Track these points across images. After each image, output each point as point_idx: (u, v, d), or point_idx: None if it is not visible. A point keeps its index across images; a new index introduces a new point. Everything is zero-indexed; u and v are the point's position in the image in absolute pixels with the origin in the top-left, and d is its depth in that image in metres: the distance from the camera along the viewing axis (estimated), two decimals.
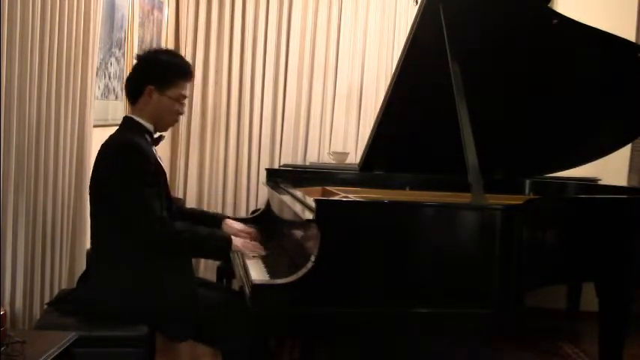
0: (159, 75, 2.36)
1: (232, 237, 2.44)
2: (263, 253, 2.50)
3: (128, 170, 2.23)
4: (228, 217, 2.83)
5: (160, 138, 2.45)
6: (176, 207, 2.60)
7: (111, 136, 2.37)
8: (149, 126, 2.38)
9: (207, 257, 2.54)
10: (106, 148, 2.32)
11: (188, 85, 2.45)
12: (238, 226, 2.72)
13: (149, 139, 2.38)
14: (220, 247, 2.41)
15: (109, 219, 2.27)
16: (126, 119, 2.40)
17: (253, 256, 2.47)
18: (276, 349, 3.15)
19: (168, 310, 2.24)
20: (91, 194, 2.34)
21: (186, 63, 2.46)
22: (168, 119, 2.43)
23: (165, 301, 2.24)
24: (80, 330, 2.08)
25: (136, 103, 2.39)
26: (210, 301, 2.32)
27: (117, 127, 2.42)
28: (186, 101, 2.49)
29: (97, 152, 2.32)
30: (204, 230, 2.42)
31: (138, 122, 2.36)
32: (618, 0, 4.42)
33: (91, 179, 2.34)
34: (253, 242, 2.56)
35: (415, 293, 2.14)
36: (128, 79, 2.46)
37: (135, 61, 2.48)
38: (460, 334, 2.24)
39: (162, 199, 2.33)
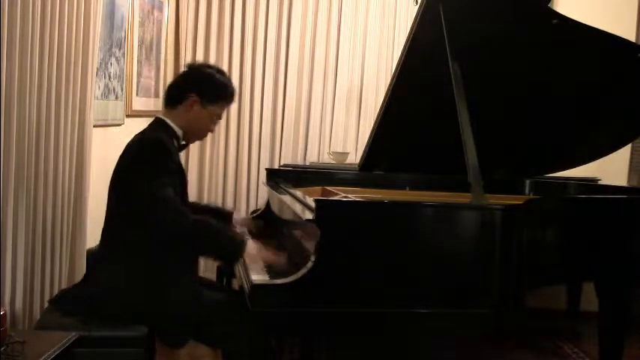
0: (208, 89, 2.42)
1: (249, 241, 2.37)
2: (283, 260, 2.40)
3: (150, 164, 2.24)
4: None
5: (184, 146, 2.50)
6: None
7: (140, 133, 2.40)
8: (179, 131, 2.42)
9: (218, 253, 2.45)
10: (134, 143, 2.35)
11: (226, 109, 2.51)
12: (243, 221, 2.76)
13: (176, 143, 2.41)
14: (233, 246, 2.31)
15: (124, 213, 2.27)
16: (158, 120, 2.43)
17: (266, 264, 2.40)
18: (276, 349, 3.15)
19: (169, 314, 2.24)
20: (111, 188, 2.36)
21: (234, 88, 2.52)
22: (199, 132, 2.50)
23: (168, 304, 2.23)
24: (80, 330, 2.08)
25: (173, 108, 2.42)
26: (211, 301, 2.32)
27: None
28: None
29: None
30: (219, 225, 2.41)
31: (169, 125, 2.40)
32: (618, 0, 4.41)
33: (113, 173, 2.35)
34: (270, 250, 2.49)
35: (415, 293, 2.14)
36: (173, 83, 2.51)
37: (185, 69, 2.55)
38: (460, 334, 2.24)
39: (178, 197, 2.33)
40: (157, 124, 2.42)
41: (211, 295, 2.37)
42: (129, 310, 2.20)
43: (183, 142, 2.47)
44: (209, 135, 4.44)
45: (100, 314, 2.20)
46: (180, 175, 2.41)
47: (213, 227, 2.30)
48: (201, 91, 2.40)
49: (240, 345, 2.21)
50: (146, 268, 2.24)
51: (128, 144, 2.37)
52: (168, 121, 2.41)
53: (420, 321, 2.15)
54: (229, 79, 2.54)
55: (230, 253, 2.32)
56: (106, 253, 2.34)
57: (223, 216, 2.80)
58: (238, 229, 2.76)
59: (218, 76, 2.48)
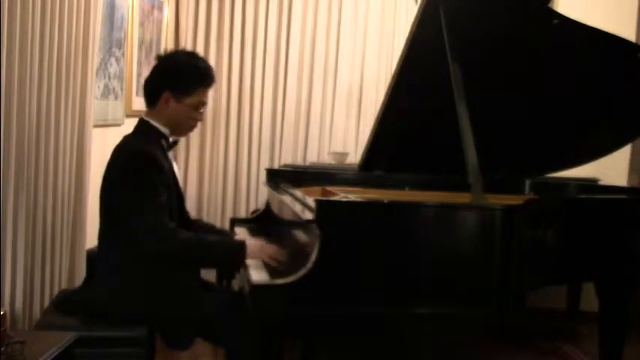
0: (177, 82, 2.30)
1: (247, 242, 2.30)
2: (283, 258, 2.31)
3: (138, 181, 2.18)
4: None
5: (175, 142, 2.43)
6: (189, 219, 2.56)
7: (125, 140, 2.34)
8: (165, 130, 2.35)
9: (218, 265, 2.40)
10: (119, 154, 2.29)
11: (209, 91, 2.38)
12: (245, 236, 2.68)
13: (165, 144, 2.35)
14: (232, 253, 2.27)
15: (115, 226, 2.25)
16: (141, 122, 2.36)
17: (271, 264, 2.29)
18: (277, 349, 3.14)
19: (171, 318, 2.23)
20: (101, 198, 2.31)
21: (207, 67, 2.36)
22: (184, 126, 2.40)
23: (169, 308, 2.23)
24: (80, 330, 2.08)
25: (153, 107, 2.36)
26: (212, 303, 2.30)
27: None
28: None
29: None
30: (214, 237, 2.37)
31: (154, 126, 2.33)
32: (618, 0, 4.41)
33: (102, 185, 2.31)
34: (272, 245, 2.35)
35: (415, 293, 2.14)
36: (146, 81, 2.40)
37: (155, 62, 2.40)
38: (460, 334, 2.24)
39: (174, 211, 2.29)
40: (141, 128, 2.35)
41: (212, 297, 2.36)
42: (130, 313, 2.20)
43: (173, 140, 2.40)
44: (209, 135, 4.55)
45: (100, 317, 2.19)
46: (173, 184, 2.33)
47: (205, 240, 2.27)
48: (171, 86, 2.29)
49: (243, 344, 2.20)
50: (146, 272, 2.24)
51: (114, 151, 2.31)
52: (151, 121, 2.34)
53: (420, 321, 2.15)
54: (201, 60, 2.37)
55: (233, 258, 2.28)
56: (106, 256, 2.33)
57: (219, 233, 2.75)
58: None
59: (185, 61, 2.34)
